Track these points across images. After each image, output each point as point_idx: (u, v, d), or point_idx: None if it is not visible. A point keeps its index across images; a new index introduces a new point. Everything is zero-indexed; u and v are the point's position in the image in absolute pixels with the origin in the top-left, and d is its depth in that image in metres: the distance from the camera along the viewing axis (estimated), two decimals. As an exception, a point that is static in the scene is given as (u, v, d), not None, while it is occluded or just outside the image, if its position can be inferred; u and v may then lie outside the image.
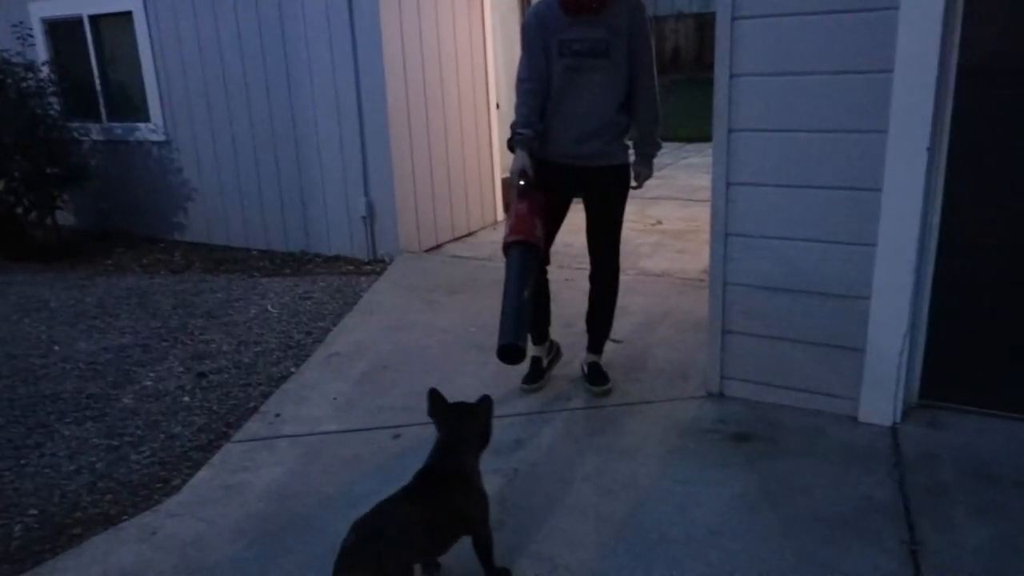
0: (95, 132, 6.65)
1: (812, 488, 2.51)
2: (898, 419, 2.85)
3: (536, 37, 2.98)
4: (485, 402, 2.17)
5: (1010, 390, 2.78)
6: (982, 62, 2.58)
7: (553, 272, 3.36)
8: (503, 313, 2.68)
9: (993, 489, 2.44)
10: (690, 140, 10.60)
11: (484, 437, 2.18)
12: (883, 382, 2.83)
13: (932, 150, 2.61)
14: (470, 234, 6.17)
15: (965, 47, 2.57)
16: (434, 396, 2.17)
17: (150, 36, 6.10)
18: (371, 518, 1.91)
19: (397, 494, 2.01)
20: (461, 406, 2.19)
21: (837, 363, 2.90)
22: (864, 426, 2.86)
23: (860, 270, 2.78)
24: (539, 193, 2.98)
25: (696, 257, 5.06)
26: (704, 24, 20.38)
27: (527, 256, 2.81)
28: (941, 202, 2.72)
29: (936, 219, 2.74)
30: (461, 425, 2.14)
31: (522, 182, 2.95)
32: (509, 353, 2.60)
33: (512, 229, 2.86)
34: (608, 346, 3.45)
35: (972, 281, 2.76)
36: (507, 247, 2.85)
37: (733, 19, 2.77)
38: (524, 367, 3.38)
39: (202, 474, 2.86)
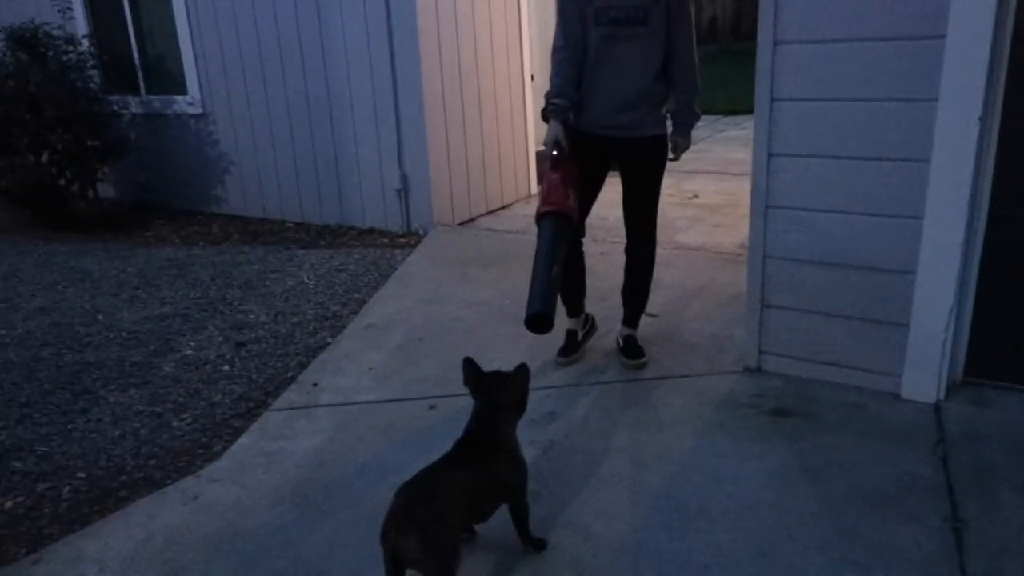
0: (134, 105, 6.72)
1: (852, 464, 2.48)
2: (942, 396, 2.79)
3: (572, 5, 2.93)
4: (521, 370, 2.16)
5: (1059, 368, 2.71)
6: (1040, 27, 2.48)
7: (588, 245, 3.34)
8: (532, 282, 2.66)
9: (1040, 468, 2.38)
10: (728, 113, 10.42)
11: (520, 406, 2.18)
12: (927, 359, 2.77)
13: (984, 120, 2.52)
14: (504, 207, 6.15)
15: (1021, 11, 2.47)
16: (469, 365, 2.17)
17: (187, 9, 6.13)
18: (419, 481, 1.92)
19: (441, 460, 2.02)
20: (497, 375, 2.19)
21: (879, 339, 2.85)
22: (906, 403, 2.81)
23: (905, 244, 2.71)
24: (573, 164, 2.94)
25: (733, 231, 4.99)
26: (743, -6, 19.95)
27: (559, 227, 2.78)
28: (992, 175, 2.63)
29: (986, 192, 2.65)
30: (498, 394, 2.14)
31: (555, 152, 2.92)
32: (537, 322, 2.59)
33: (544, 199, 2.83)
34: (643, 320, 3.42)
35: (1021, 257, 2.68)
36: (539, 217, 2.82)
37: (778, -16, 2.70)
38: (560, 339, 3.38)
39: (242, 441, 2.91)
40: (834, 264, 2.87)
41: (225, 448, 2.87)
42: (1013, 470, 2.39)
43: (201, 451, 2.88)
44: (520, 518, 2.13)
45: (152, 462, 2.83)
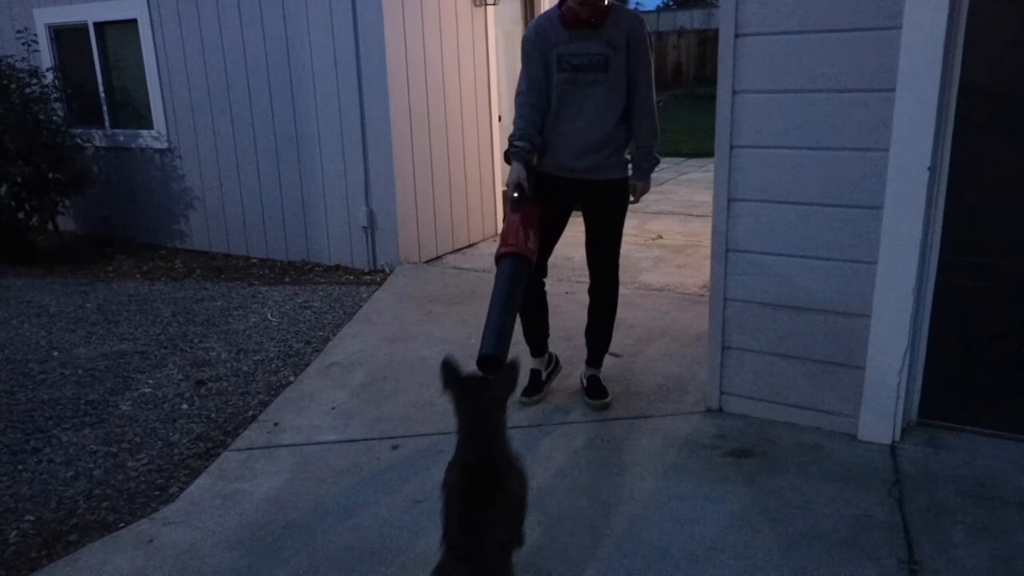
0: (98, 138, 6.67)
1: (811, 506, 2.51)
2: (897, 437, 2.84)
3: (536, 51, 3.00)
4: (511, 368, 2.01)
5: (1009, 409, 2.78)
6: (983, 81, 2.59)
7: (553, 285, 3.37)
8: (487, 323, 2.66)
9: (992, 509, 2.43)
10: (691, 155, 10.64)
11: (503, 404, 2.01)
12: (882, 400, 2.83)
13: (933, 169, 2.62)
14: (470, 245, 6.18)
15: (967, 66, 2.59)
16: (448, 367, 1.97)
17: (154, 44, 6.13)
18: (465, 538, 1.82)
19: (465, 510, 1.87)
20: (480, 378, 2.05)
21: (836, 380, 2.91)
22: (863, 444, 2.86)
23: (860, 288, 2.78)
24: (535, 205, 2.98)
25: (696, 272, 5.07)
26: (705, 40, 20.54)
27: (517, 268, 2.79)
28: (942, 221, 2.73)
29: (937, 238, 2.75)
30: (486, 402, 1.96)
31: (516, 194, 2.95)
32: (488, 364, 2.59)
33: (503, 240, 2.85)
34: (607, 360, 3.45)
35: (972, 300, 2.77)
36: (498, 258, 2.85)
37: (736, 36, 2.79)
38: (523, 379, 3.38)
39: (199, 482, 2.85)
40: (793, 307, 2.93)
41: (182, 489, 2.81)
42: (966, 511, 2.43)
43: (157, 492, 2.81)
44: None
45: (105, 504, 2.75)
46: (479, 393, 1.97)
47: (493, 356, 2.55)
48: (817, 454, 2.82)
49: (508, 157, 3.05)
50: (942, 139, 2.64)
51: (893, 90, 2.59)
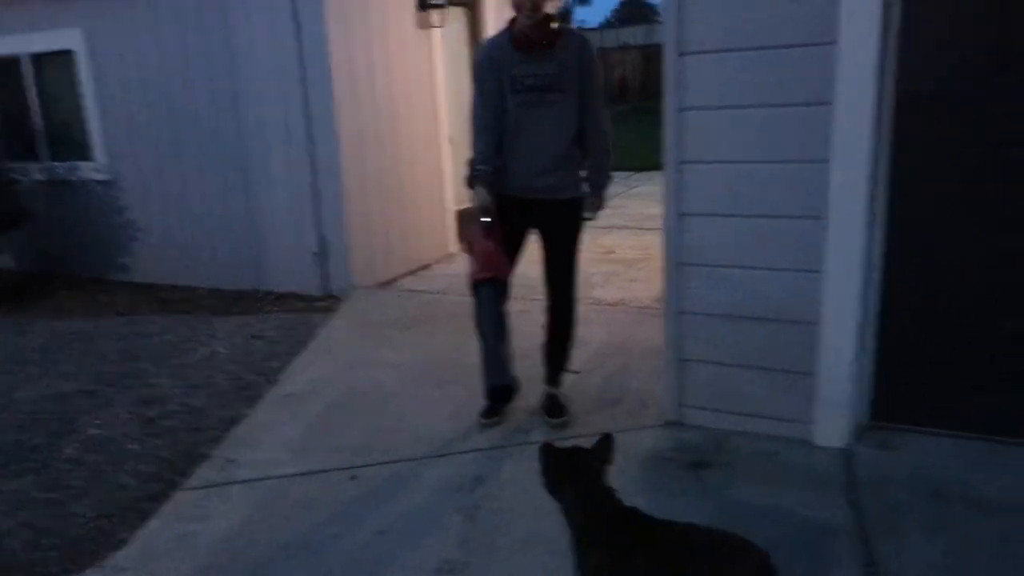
0: (35, 172, 6.47)
1: (771, 513, 2.53)
2: (851, 441, 2.90)
3: (489, 74, 3.02)
4: (607, 441, 1.94)
5: (955, 409, 2.86)
6: (917, 92, 2.68)
7: (508, 304, 3.36)
8: (487, 354, 2.65)
9: (944, 507, 2.49)
10: (640, 169, 10.77)
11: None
12: (835, 405, 2.88)
13: (873, 178, 2.69)
14: (423, 267, 6.15)
15: (901, 78, 2.67)
16: (548, 451, 1.87)
17: (93, 75, 5.99)
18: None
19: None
20: (578, 458, 1.93)
21: (791, 388, 2.95)
22: (819, 449, 2.90)
23: (808, 296, 2.84)
24: (499, 228, 2.99)
25: (649, 285, 5.12)
26: (649, 55, 20.89)
27: (499, 293, 2.82)
28: (884, 228, 2.80)
29: (879, 244, 2.82)
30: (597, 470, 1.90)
31: (486, 219, 2.96)
32: (500, 393, 2.58)
33: (483, 266, 2.85)
34: (566, 377, 3.45)
35: (916, 304, 2.84)
36: (477, 284, 2.83)
37: (680, 55, 2.84)
38: (480, 402, 3.37)
39: (151, 525, 2.76)
40: (745, 317, 2.97)
41: (132, 534, 2.71)
42: (920, 510, 2.49)
43: (106, 539, 2.71)
44: None
45: (51, 554, 2.64)
46: (586, 462, 1.89)
47: (504, 385, 2.53)
48: (775, 461, 2.85)
49: (471, 182, 3.06)
50: (880, 149, 2.72)
51: (831, 103, 2.66)
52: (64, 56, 6.08)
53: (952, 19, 2.63)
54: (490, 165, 3.02)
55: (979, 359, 2.79)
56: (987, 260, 2.72)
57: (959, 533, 2.35)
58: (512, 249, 3.12)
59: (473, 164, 3.05)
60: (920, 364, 2.88)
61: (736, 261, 2.94)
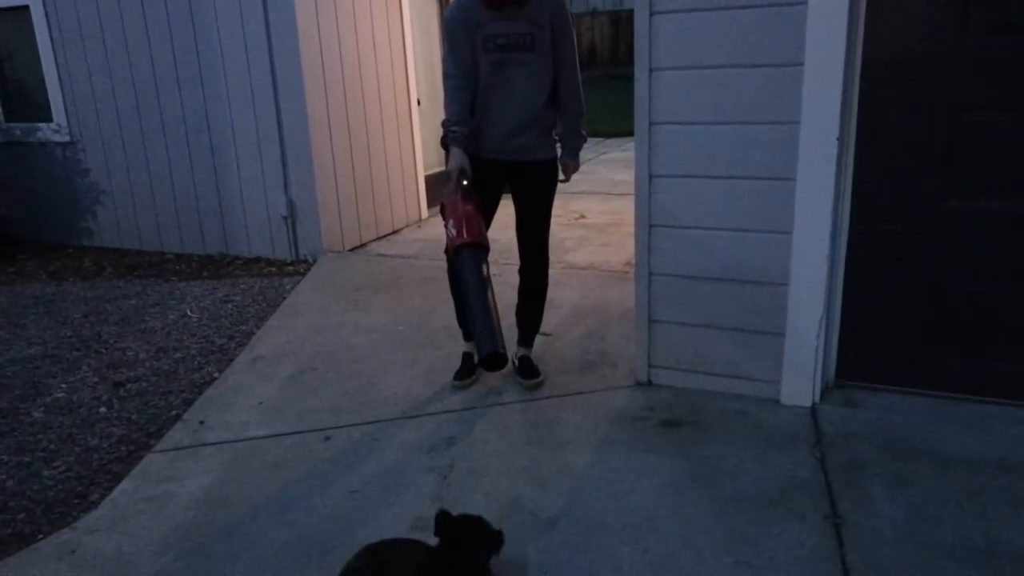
0: (-9, 133, 6.29)
1: (739, 470, 2.59)
2: (817, 400, 2.96)
3: (460, 33, 2.97)
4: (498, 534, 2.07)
5: (917, 367, 2.93)
6: (885, 55, 2.70)
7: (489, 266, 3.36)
8: (474, 322, 2.61)
9: (906, 461, 2.57)
10: (609, 135, 10.77)
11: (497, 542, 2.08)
12: (802, 365, 2.94)
13: (841, 140, 2.72)
14: (394, 232, 6.11)
15: (869, 41, 2.69)
16: (442, 519, 2.02)
17: (50, 32, 5.80)
18: (386, 549, 1.85)
19: (419, 542, 1.95)
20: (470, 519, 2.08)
21: (759, 348, 3.00)
22: (785, 408, 2.97)
23: (777, 257, 2.88)
24: (475, 190, 2.95)
25: (620, 250, 5.15)
26: (619, 20, 20.73)
27: (481, 258, 2.76)
28: (851, 189, 2.84)
29: (847, 206, 2.86)
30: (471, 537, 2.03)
31: (464, 182, 2.91)
32: (494, 360, 2.56)
33: (462, 230, 2.76)
34: (538, 339, 3.47)
35: (881, 266, 2.90)
36: (458, 249, 2.77)
37: (651, 14, 2.83)
38: (456, 362, 3.38)
39: (123, 487, 2.74)
40: (715, 279, 3.01)
41: (104, 496, 2.70)
42: (882, 465, 2.56)
43: (77, 501, 2.69)
44: None
45: (21, 516, 2.62)
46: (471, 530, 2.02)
47: (496, 352, 2.52)
48: (743, 420, 2.91)
49: (445, 143, 3.01)
50: (849, 111, 2.74)
51: (801, 64, 2.67)
52: (20, 13, 5.88)
53: (922, -18, 2.65)
54: (464, 126, 2.99)
55: (941, 318, 2.86)
56: (947, 222, 2.77)
57: (922, 488, 2.43)
58: (486, 211, 3.10)
59: (447, 125, 3.01)
60: (885, 324, 2.95)
61: (707, 223, 2.96)
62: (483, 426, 3.00)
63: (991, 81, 2.63)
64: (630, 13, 2.90)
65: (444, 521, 2.02)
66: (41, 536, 2.49)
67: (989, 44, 2.60)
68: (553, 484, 2.58)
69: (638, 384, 3.24)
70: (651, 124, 2.94)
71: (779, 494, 2.45)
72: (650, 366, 3.22)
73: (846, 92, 2.69)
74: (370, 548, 1.84)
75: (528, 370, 3.32)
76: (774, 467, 2.59)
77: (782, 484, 2.50)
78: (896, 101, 2.74)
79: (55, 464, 2.95)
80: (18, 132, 6.24)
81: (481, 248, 2.77)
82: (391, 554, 1.86)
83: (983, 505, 2.32)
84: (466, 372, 3.34)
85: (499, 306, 3.65)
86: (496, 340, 2.54)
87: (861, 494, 2.42)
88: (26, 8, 5.82)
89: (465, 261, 2.73)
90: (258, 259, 5.59)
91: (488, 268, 2.79)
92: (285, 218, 5.44)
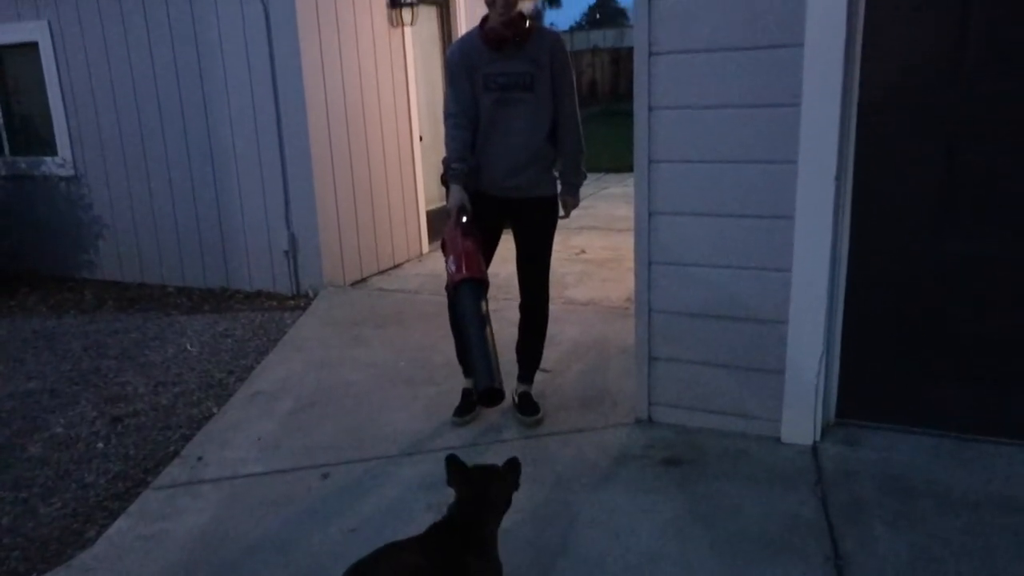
0: (-4, 167, 6.35)
1: (740, 509, 2.57)
2: (818, 438, 2.95)
3: (461, 72, 3.02)
4: (512, 464, 2.07)
5: (917, 405, 2.93)
6: (881, 95, 2.74)
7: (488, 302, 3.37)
8: (472, 356, 2.63)
9: (907, 501, 2.55)
10: (610, 170, 10.83)
11: (508, 501, 2.07)
12: (802, 403, 2.93)
13: (839, 178, 2.75)
14: (396, 267, 6.13)
15: (865, 82, 2.73)
16: (453, 464, 2.02)
17: (57, 68, 5.88)
18: (373, 563, 1.80)
19: (406, 541, 1.91)
20: (486, 469, 2.08)
21: (759, 386, 3.00)
22: (786, 446, 2.95)
23: (777, 295, 2.89)
24: (475, 227, 2.98)
25: (620, 285, 5.16)
26: (619, 58, 21.00)
27: (479, 294, 2.78)
28: (849, 227, 2.86)
29: (845, 244, 2.87)
30: (487, 488, 2.02)
31: (464, 219, 2.94)
32: (490, 395, 2.57)
33: (461, 266, 2.80)
34: (538, 376, 3.47)
35: (881, 304, 2.91)
36: (457, 285, 2.80)
37: (650, 55, 2.87)
38: (456, 399, 3.37)
39: (119, 524, 2.72)
40: (714, 316, 3.01)
41: (100, 533, 2.68)
42: (884, 504, 2.54)
43: (73, 538, 2.67)
44: None
45: (16, 553, 2.60)
46: (483, 482, 2.03)
47: (492, 388, 2.53)
48: (744, 458, 2.90)
49: (445, 180, 3.05)
50: (846, 150, 2.77)
51: (799, 105, 2.71)
52: (28, 49, 5.96)
53: (912, 27, 2.69)
54: (465, 163, 3.02)
55: (941, 357, 2.86)
56: (946, 260, 2.79)
57: (924, 527, 2.41)
58: (486, 248, 3.12)
59: (448, 162, 3.05)
60: (884, 362, 2.95)
61: (706, 260, 2.98)
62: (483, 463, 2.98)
63: (986, 120, 2.66)
64: (630, 51, 2.95)
65: (457, 474, 2.01)
66: (35, 574, 2.46)
67: (983, 84, 2.64)
68: (554, 523, 2.56)
69: (638, 421, 3.23)
70: (651, 162, 2.97)
71: (781, 534, 2.43)
72: (650, 403, 3.21)
73: (843, 132, 2.72)
74: (357, 565, 1.82)
75: (528, 407, 3.31)
76: (775, 506, 2.57)
77: (784, 524, 2.48)
78: (893, 140, 2.77)
79: (51, 501, 2.93)
80: (23, 165, 6.30)
81: (480, 284, 2.79)
82: (381, 567, 1.81)
83: (986, 545, 2.30)
84: (466, 408, 3.33)
85: (499, 342, 3.65)
86: (493, 375, 2.55)
87: (863, 534, 2.40)
88: (35, 44, 5.91)
89: (464, 296, 2.75)
90: (259, 293, 5.60)
91: (487, 304, 2.80)
92: (287, 252, 5.46)
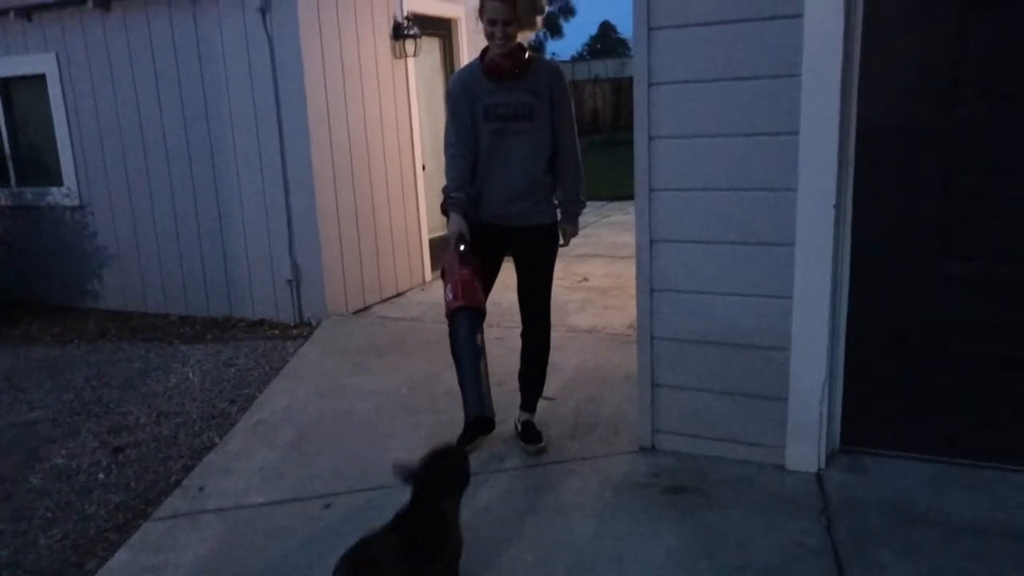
0: (2, 197, 6.39)
1: (745, 538, 2.55)
2: (822, 465, 2.93)
3: (462, 103, 3.06)
4: (459, 447, 2.27)
5: (922, 432, 2.91)
6: (879, 123, 2.76)
7: (484, 331, 3.37)
8: (464, 384, 2.65)
9: (913, 529, 2.53)
10: (612, 199, 10.89)
11: (463, 477, 2.22)
12: (806, 430, 2.92)
13: (838, 206, 2.76)
14: (398, 295, 6.14)
15: (863, 109, 2.76)
16: (398, 468, 2.15)
17: (64, 99, 5.96)
18: (363, 549, 1.94)
19: (381, 530, 2.04)
20: (435, 449, 2.22)
21: (762, 413, 2.99)
22: (791, 474, 2.93)
23: (779, 322, 2.89)
24: (474, 256, 3.01)
25: (622, 312, 5.16)
26: (620, 88, 21.22)
27: (475, 322, 2.81)
28: (850, 254, 2.87)
29: (846, 271, 2.88)
30: (438, 464, 2.17)
31: (462, 247, 2.97)
32: (481, 424, 2.58)
33: (458, 294, 2.84)
34: (541, 404, 3.46)
35: (883, 329, 2.90)
36: (453, 313, 2.83)
37: (650, 85, 2.90)
38: (458, 428, 3.36)
39: (119, 556, 2.70)
40: (717, 343, 3.01)
41: (100, 565, 2.66)
42: (890, 532, 2.52)
43: (73, 570, 2.65)
44: None
45: (15, 586, 2.58)
46: (432, 465, 2.17)
47: (483, 416, 2.55)
48: (748, 486, 2.88)
49: (445, 209, 3.08)
50: (845, 177, 2.79)
51: (797, 133, 2.73)
52: (35, 80, 6.05)
53: (908, 53, 2.72)
54: (464, 192, 3.05)
55: (946, 383, 2.85)
56: (947, 285, 2.79)
57: (931, 555, 2.38)
58: (487, 275, 3.14)
59: (447, 192, 3.08)
60: (889, 388, 2.94)
61: (708, 287, 2.98)
62: (485, 492, 2.97)
63: (982, 146, 2.68)
64: (631, 81, 2.99)
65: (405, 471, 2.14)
66: (35, 607, 2.45)
67: (979, 110, 2.66)
68: (557, 553, 2.54)
69: (642, 449, 3.21)
70: (651, 190, 2.99)
71: (787, 562, 2.40)
72: (654, 431, 3.19)
73: (842, 159, 2.74)
74: (348, 554, 1.95)
75: (531, 435, 3.29)
76: (781, 535, 2.55)
77: (789, 552, 2.45)
78: (891, 167, 2.79)
79: (52, 532, 2.91)
80: (29, 196, 6.35)
81: (476, 312, 2.82)
82: (371, 550, 1.98)
83: (992, 573, 2.28)
84: (469, 438, 3.31)
85: (503, 370, 3.65)
86: (484, 403, 2.56)
87: (870, 562, 2.37)
88: (42, 76, 5.99)
89: (458, 324, 2.78)
90: (262, 322, 5.60)
91: (483, 332, 2.82)
92: (290, 281, 5.48)
